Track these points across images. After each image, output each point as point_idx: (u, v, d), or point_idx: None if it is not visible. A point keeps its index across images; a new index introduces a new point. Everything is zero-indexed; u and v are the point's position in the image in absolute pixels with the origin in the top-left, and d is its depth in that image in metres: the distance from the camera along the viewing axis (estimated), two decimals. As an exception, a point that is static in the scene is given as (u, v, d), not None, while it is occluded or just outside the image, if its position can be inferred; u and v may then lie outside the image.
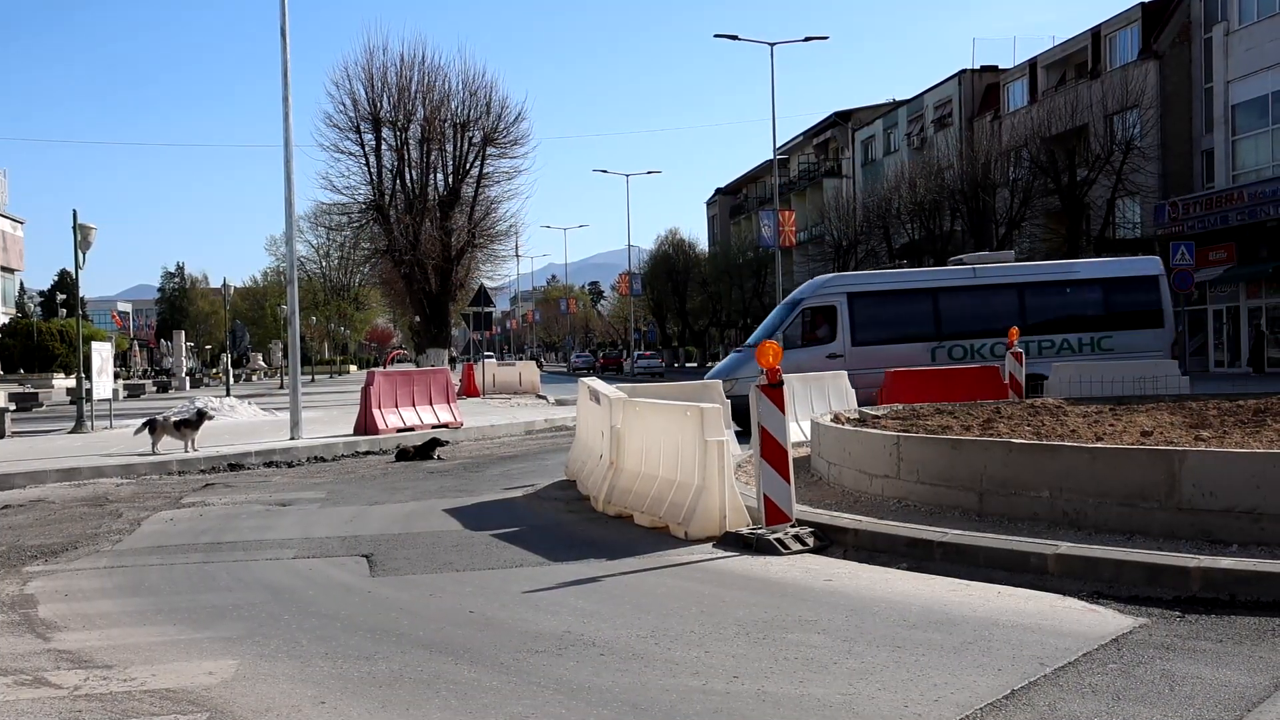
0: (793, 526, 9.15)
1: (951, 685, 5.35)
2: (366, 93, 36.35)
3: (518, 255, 62.82)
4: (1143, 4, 44.30)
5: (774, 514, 9.14)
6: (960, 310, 23.01)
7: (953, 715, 4.93)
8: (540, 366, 54.09)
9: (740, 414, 16.88)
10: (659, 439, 10.61)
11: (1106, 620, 6.50)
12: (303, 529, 11.08)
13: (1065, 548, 7.78)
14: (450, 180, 37.95)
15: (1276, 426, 10.47)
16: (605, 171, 72.47)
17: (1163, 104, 41.91)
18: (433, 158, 37.43)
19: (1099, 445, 9.16)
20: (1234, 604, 6.71)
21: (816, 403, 17.25)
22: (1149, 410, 13.12)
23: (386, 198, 37.12)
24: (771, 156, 51.25)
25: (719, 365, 23.65)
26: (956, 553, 8.19)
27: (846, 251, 57.54)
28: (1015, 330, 20.51)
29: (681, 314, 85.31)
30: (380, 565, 9.03)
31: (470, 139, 37.53)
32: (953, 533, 8.57)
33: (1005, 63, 55.87)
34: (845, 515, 9.66)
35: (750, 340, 24.31)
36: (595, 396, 13.27)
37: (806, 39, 44.83)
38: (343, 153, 36.85)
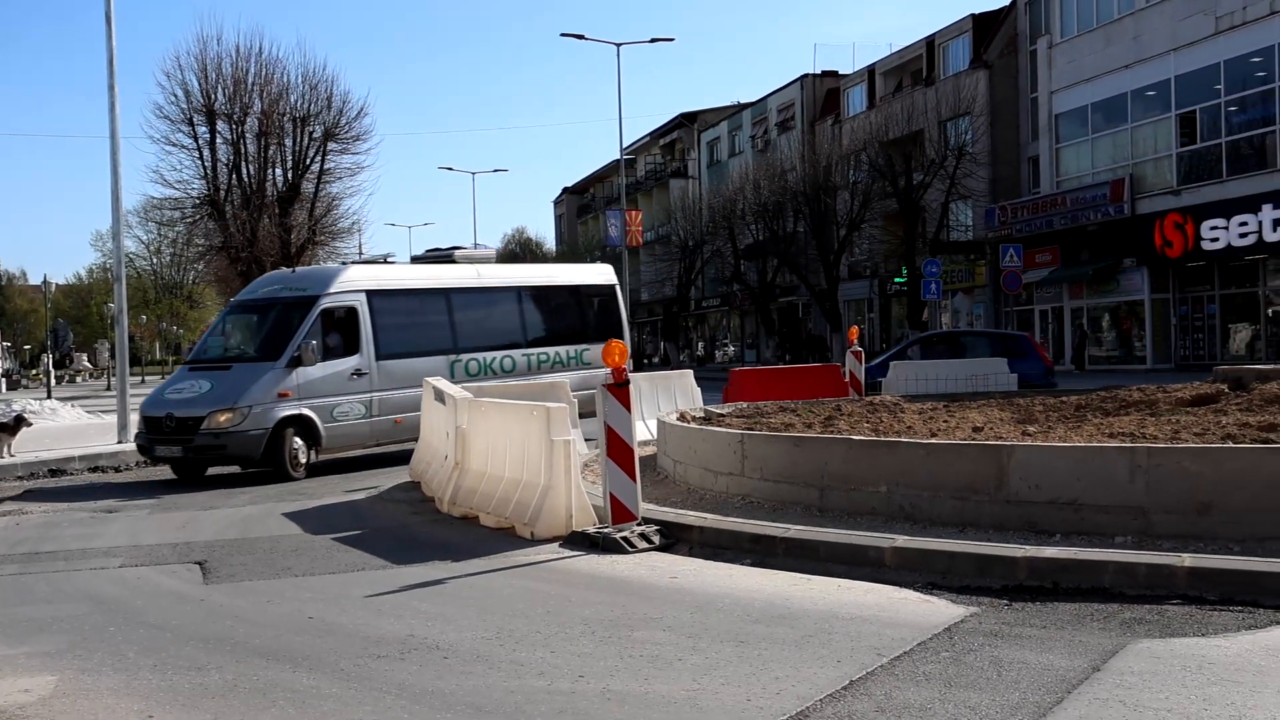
0: (639, 525, 9.19)
1: (793, 678, 5.43)
2: (200, 84, 35.10)
3: (361, 254, 61.57)
4: (974, 15, 45.97)
5: (620, 513, 9.16)
6: (472, 316, 18.85)
7: (793, 707, 5.01)
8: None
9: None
10: (505, 439, 10.53)
11: (940, 610, 6.70)
12: (130, 536, 10.65)
13: (902, 541, 7.99)
14: (290, 176, 36.96)
15: (1096, 421, 10.96)
16: (451, 169, 71.74)
17: (992, 112, 43.55)
18: (271, 152, 36.38)
19: (934, 441, 9.46)
20: (1057, 591, 6.99)
21: (663, 402, 17.38)
22: (980, 407, 13.59)
23: (222, 193, 35.93)
24: (619, 156, 51.47)
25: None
26: (799, 548, 8.34)
27: (693, 251, 58.16)
28: (855, 329, 21.04)
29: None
30: (214, 572, 8.74)
31: (310, 134, 36.62)
32: (795, 528, 8.73)
33: (845, 68, 57.31)
34: (691, 513, 9.74)
35: (195, 354, 18.09)
36: (440, 396, 13.11)
37: (653, 40, 45.28)
38: (175, 145, 35.48)
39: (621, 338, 18.93)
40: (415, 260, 20.86)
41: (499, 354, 18.65)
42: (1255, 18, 31.92)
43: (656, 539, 9.05)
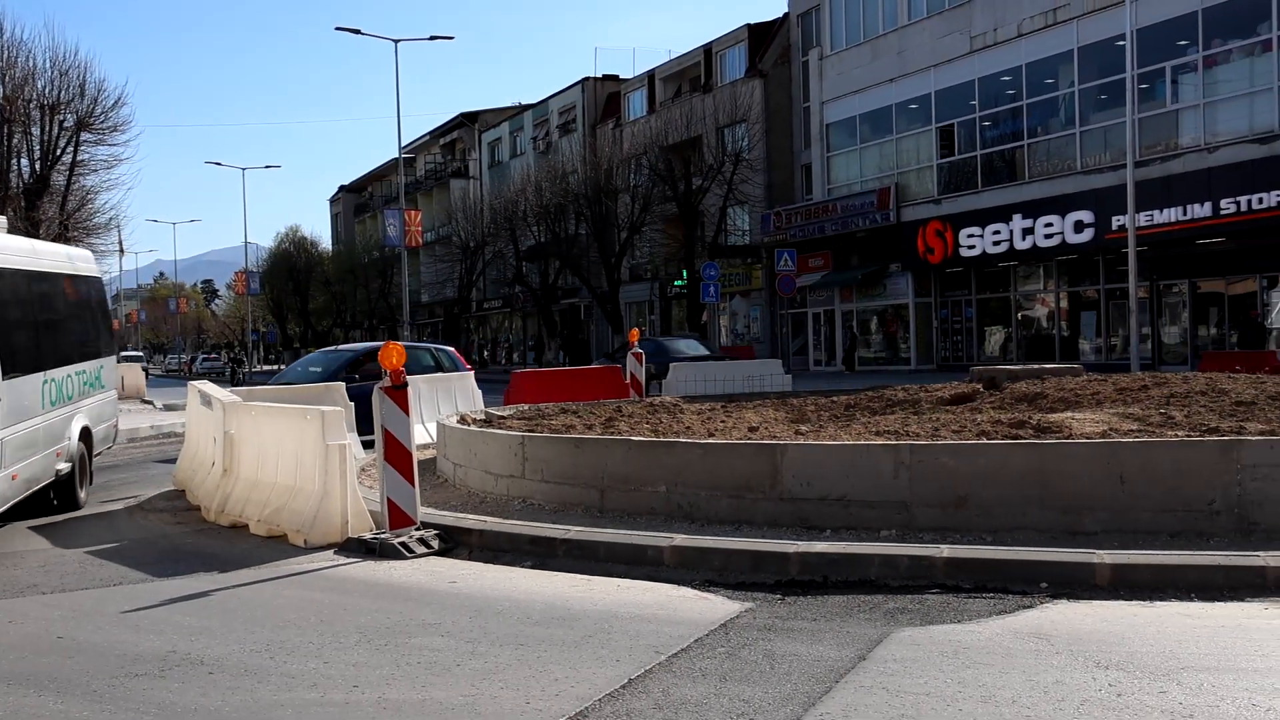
0: (417, 530, 9.03)
1: (572, 678, 5.43)
2: (-70, 65, 32.57)
3: (121, 250, 58.42)
4: (749, 25, 47.27)
5: (398, 518, 8.98)
6: None
7: (572, 708, 5.00)
8: (148, 373, 50.64)
9: None
10: (277, 444, 10.17)
11: (716, 607, 6.83)
12: None
13: (680, 540, 8.12)
14: (38, 167, 34.68)
15: (864, 420, 11.41)
16: (219, 164, 68.61)
17: (768, 120, 44.87)
18: (15, 141, 34.06)
19: (711, 441, 9.64)
20: (827, 584, 7.24)
21: (443, 404, 17.16)
22: (756, 407, 13.95)
23: (-44, 183, 33.43)
24: (397, 155, 50.61)
25: None
26: (579, 549, 8.37)
27: (474, 253, 57.71)
28: (636, 330, 21.29)
29: (304, 314, 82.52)
30: (-47, 592, 8.10)
31: (61, 123, 34.44)
32: (575, 529, 8.74)
33: (626, 72, 58.01)
34: (471, 516, 9.64)
35: None
36: (206, 400, 12.55)
37: (432, 38, 44.65)
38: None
39: (112, 350, 15.89)
40: None
41: None
42: (1005, 39, 33.96)
43: (436, 544, 8.92)
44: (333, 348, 21.87)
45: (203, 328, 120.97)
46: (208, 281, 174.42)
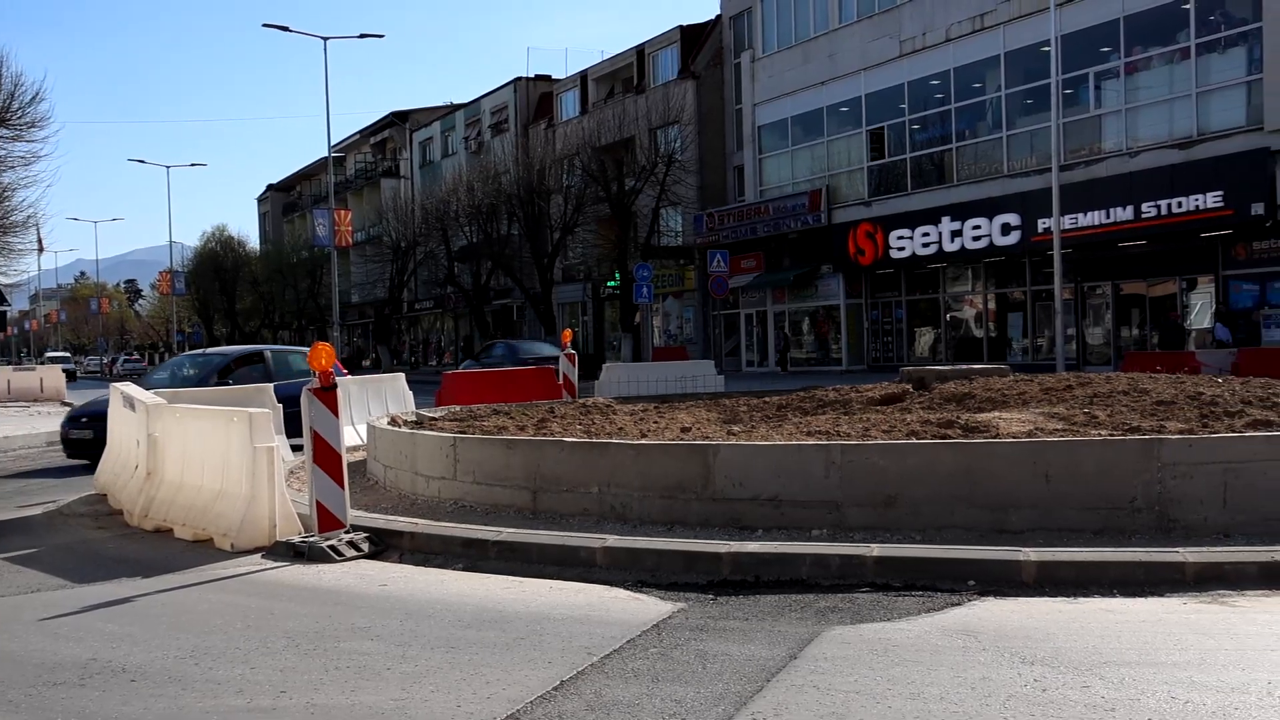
0: (347, 533, 8.93)
1: (504, 681, 5.40)
2: None
3: (40, 249, 57.11)
4: (681, 27, 47.43)
5: (327, 521, 8.87)
6: None
7: (503, 711, 4.98)
8: (74, 375, 49.55)
9: None
10: (203, 446, 10.00)
11: (649, 607, 6.83)
12: None
13: (612, 541, 8.11)
14: (-49, 164, 33.84)
15: (796, 420, 11.49)
16: (143, 161, 67.52)
17: (700, 121, 45.06)
18: (-77, 137, 33.18)
19: (644, 442, 9.64)
20: (759, 584, 7.27)
21: (374, 406, 17.00)
22: (689, 408, 13.99)
23: None
24: (327, 154, 50.05)
25: None
26: (511, 550, 8.32)
27: (405, 253, 57.28)
28: (569, 332, 21.26)
29: (231, 315, 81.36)
30: None
31: (-26, 119, 33.62)
32: (507, 531, 8.70)
33: (558, 73, 57.93)
34: (401, 519, 9.56)
35: None
36: (130, 402, 12.31)
37: (362, 35, 44.26)
38: None
39: None
40: None
41: None
42: (933, 44, 34.42)
43: (366, 546, 8.82)
44: (202, 351, 21.33)
45: (126, 328, 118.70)
46: (131, 281, 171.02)
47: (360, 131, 76.22)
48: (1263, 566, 6.90)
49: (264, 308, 77.37)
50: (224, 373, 17.34)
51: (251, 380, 16.54)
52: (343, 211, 48.69)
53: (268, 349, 19.16)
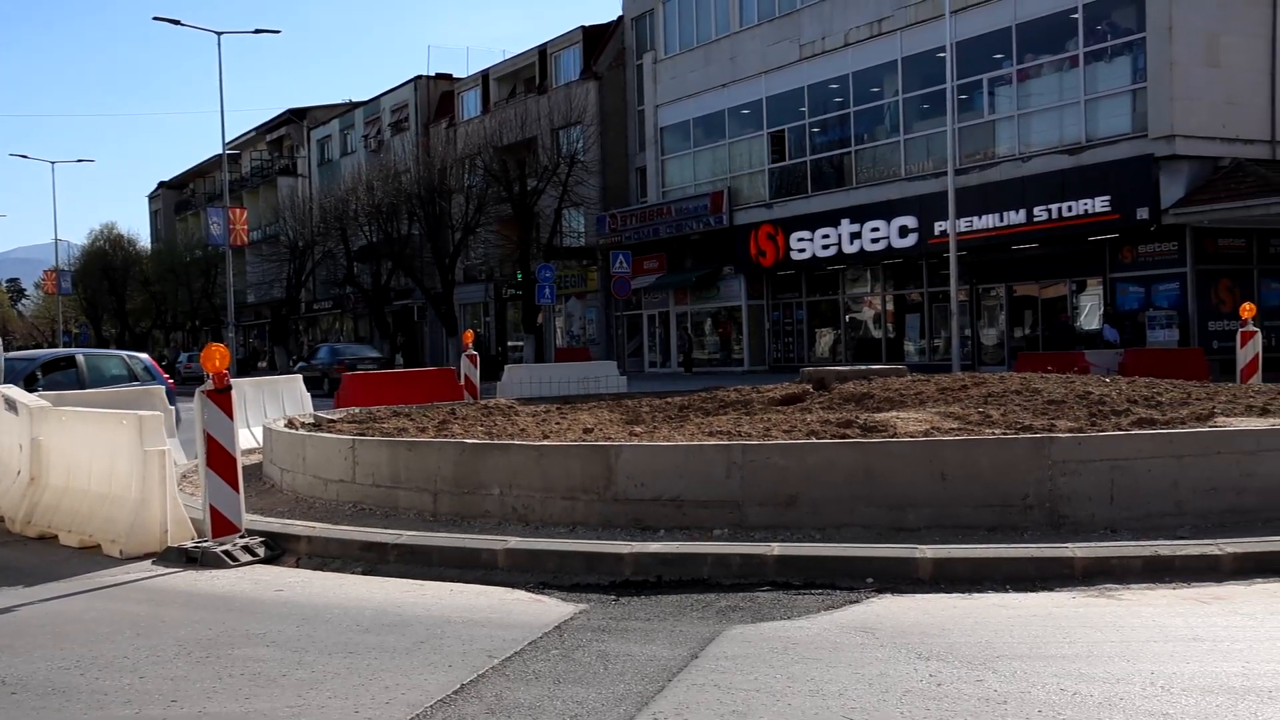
0: (242, 537, 8.74)
1: (404, 685, 5.34)
2: None
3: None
4: (584, 28, 47.40)
5: (221, 525, 8.67)
6: None
7: (403, 715, 4.91)
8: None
9: None
10: (90, 450, 9.71)
11: (551, 609, 6.81)
12: None
13: (514, 542, 8.06)
14: None
15: (697, 421, 11.55)
16: (25, 156, 65.38)
17: (603, 122, 45.07)
18: None
19: (546, 443, 9.62)
20: (661, 584, 7.29)
21: (270, 408, 16.68)
22: (591, 409, 13.99)
23: None
24: (221, 151, 49.03)
25: None
26: (411, 553, 8.23)
27: (303, 252, 56.30)
28: (470, 333, 21.10)
29: (120, 315, 79.11)
30: None
31: None
32: (408, 534, 8.61)
33: (460, 71, 57.49)
34: (299, 522, 9.39)
35: None
36: (11, 405, 11.90)
37: (257, 31, 43.47)
38: None
39: None
40: None
41: None
42: (832, 48, 34.89)
43: (261, 551, 8.65)
44: (4, 355, 19.95)
45: (8, 328, 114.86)
46: (14, 280, 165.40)
47: (256, 129, 74.76)
48: (1146, 561, 7.12)
49: (156, 308, 75.36)
50: (30, 380, 15.46)
51: (64, 387, 15.30)
52: (238, 210, 47.75)
53: (81, 353, 18.06)
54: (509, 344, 50.78)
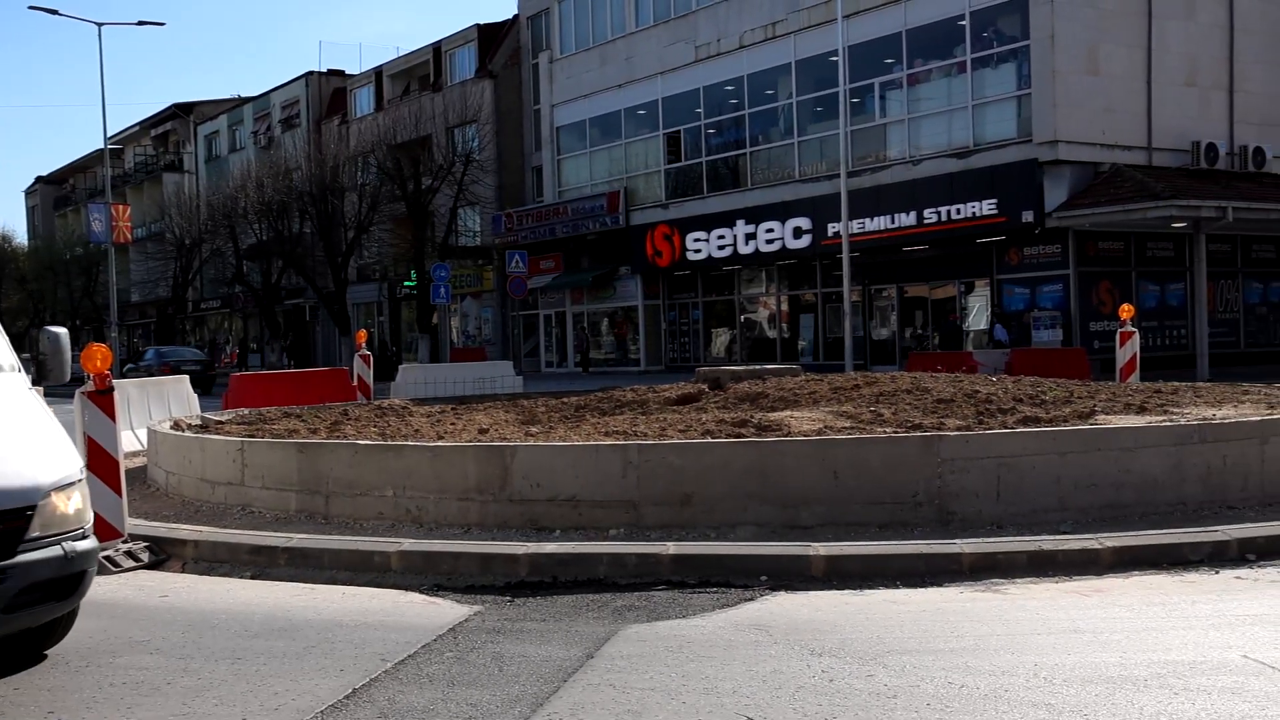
0: (125, 542, 8.51)
1: (293, 691, 5.24)
2: None
3: None
4: (479, 26, 47.05)
5: (103, 530, 8.37)
6: None
7: (293, 724, 4.82)
8: None
9: None
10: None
11: (445, 611, 6.75)
12: None
13: (408, 544, 7.98)
14: None
15: (594, 421, 11.54)
16: (-104, 149, 62.66)
17: (498, 121, 44.79)
18: None
19: (440, 444, 9.53)
20: (557, 585, 7.27)
21: (155, 409, 16.24)
22: (487, 409, 13.89)
23: None
24: (103, 145, 47.63)
25: None
26: (302, 557, 8.08)
27: (190, 250, 54.95)
28: (363, 333, 20.82)
29: (-4, 313, 76.49)
30: None
31: None
32: (298, 537, 8.46)
33: (352, 68, 56.57)
34: (185, 526, 9.17)
35: None
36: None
37: (140, 23, 42.63)
38: None
39: None
40: None
41: None
42: (728, 50, 35.15)
43: (145, 556, 8.43)
44: None
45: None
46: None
47: (140, 123, 72.69)
48: (1031, 555, 7.31)
49: (34, 307, 72.87)
50: None
51: None
52: (121, 206, 46.46)
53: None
54: (403, 344, 50.20)
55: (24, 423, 5.81)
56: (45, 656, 5.79)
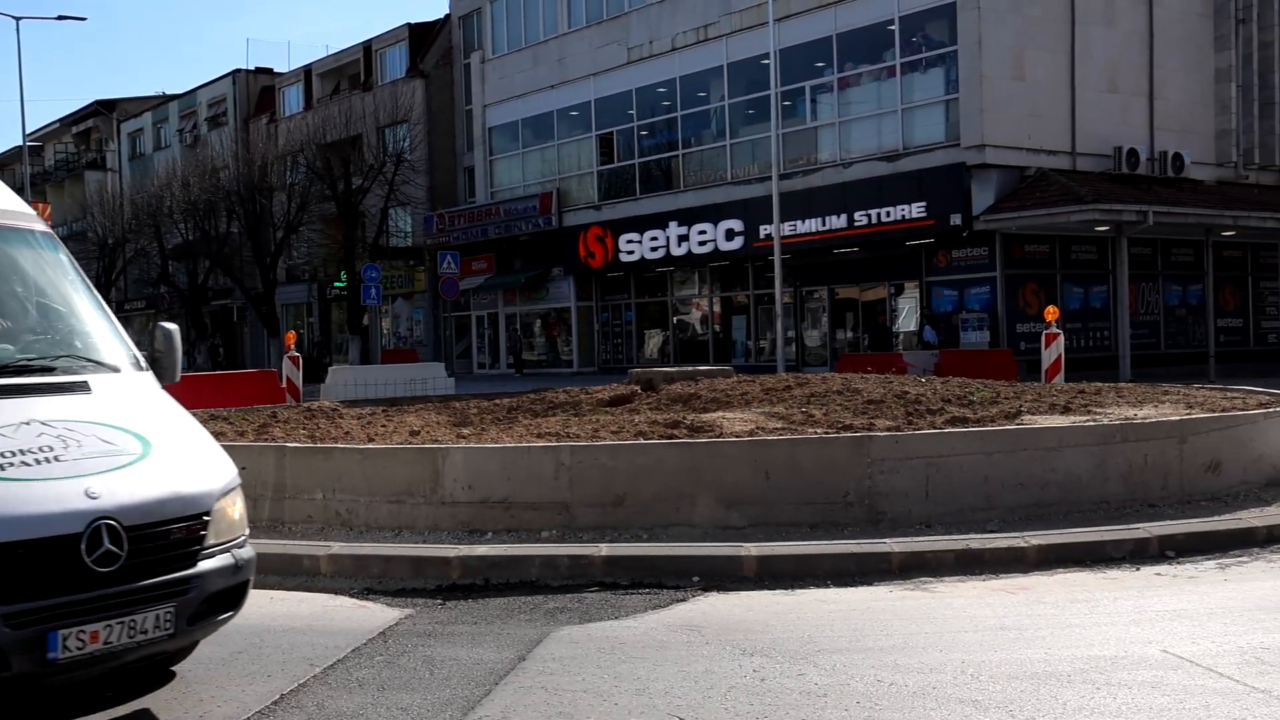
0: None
1: (219, 698, 5.16)
2: None
3: None
4: (410, 25, 46.69)
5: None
6: None
7: (219, 731, 4.75)
8: None
9: None
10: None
11: (375, 615, 6.68)
12: None
13: (337, 548, 7.90)
14: None
15: (526, 422, 11.49)
16: None
17: (430, 121, 44.47)
18: None
19: (370, 446, 9.43)
20: (489, 587, 7.24)
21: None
22: (418, 411, 13.76)
23: None
24: (22, 142, 46.60)
25: None
26: (228, 562, 7.95)
27: (114, 250, 53.93)
28: (292, 334, 20.57)
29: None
30: None
31: None
32: (224, 541, 8.31)
33: (280, 66, 55.86)
34: (107, 531, 8.97)
35: None
36: None
37: (60, 17, 41.56)
38: None
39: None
40: None
41: None
42: (660, 52, 35.24)
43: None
44: None
45: None
46: None
47: (61, 120, 71.16)
48: (959, 554, 7.42)
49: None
50: None
51: None
52: (40, 205, 45.37)
53: None
54: (333, 345, 49.67)
55: (177, 426, 5.55)
56: (174, 674, 5.50)
